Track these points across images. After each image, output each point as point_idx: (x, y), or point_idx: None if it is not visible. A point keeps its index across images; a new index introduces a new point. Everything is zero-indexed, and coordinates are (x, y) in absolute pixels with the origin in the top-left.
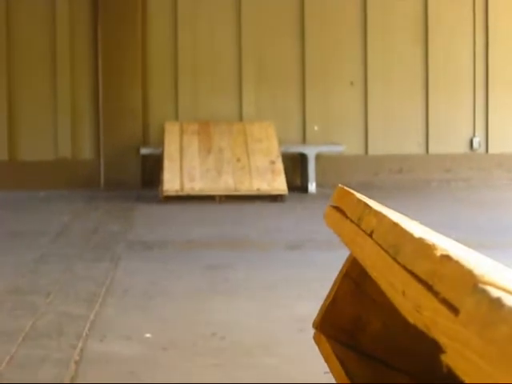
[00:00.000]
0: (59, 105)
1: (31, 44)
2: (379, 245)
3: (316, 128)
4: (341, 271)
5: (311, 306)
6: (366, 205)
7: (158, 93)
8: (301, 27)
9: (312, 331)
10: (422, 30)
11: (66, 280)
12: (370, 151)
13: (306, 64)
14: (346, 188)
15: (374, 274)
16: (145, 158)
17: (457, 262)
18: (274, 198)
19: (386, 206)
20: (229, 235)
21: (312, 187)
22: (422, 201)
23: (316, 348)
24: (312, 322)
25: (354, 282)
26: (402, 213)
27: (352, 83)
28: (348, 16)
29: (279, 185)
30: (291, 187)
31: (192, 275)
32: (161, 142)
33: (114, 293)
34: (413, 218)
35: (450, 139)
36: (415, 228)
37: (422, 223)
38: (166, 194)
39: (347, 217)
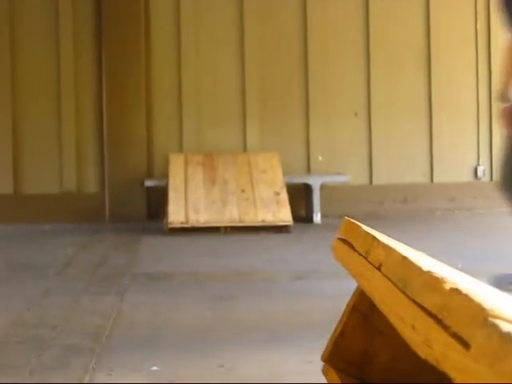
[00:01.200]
0: (64, 138)
1: (35, 78)
2: (388, 278)
3: (320, 158)
4: (348, 304)
5: (319, 337)
6: (374, 237)
7: (162, 125)
8: (304, 58)
9: (320, 363)
10: (424, 59)
11: (72, 313)
12: (375, 181)
13: (310, 95)
14: (352, 220)
15: (382, 307)
16: (149, 190)
17: (466, 296)
18: (279, 229)
19: (391, 235)
20: (234, 266)
21: (317, 218)
22: (427, 230)
23: (324, 380)
24: (320, 353)
25: (363, 314)
26: (407, 242)
27: (356, 114)
28: (350, 46)
29: (284, 216)
30: (296, 218)
31: (198, 307)
32: (165, 174)
33: (120, 325)
34: (418, 247)
35: (454, 168)
36: (423, 261)
37: (427, 253)
38: (170, 226)
39: (355, 249)
